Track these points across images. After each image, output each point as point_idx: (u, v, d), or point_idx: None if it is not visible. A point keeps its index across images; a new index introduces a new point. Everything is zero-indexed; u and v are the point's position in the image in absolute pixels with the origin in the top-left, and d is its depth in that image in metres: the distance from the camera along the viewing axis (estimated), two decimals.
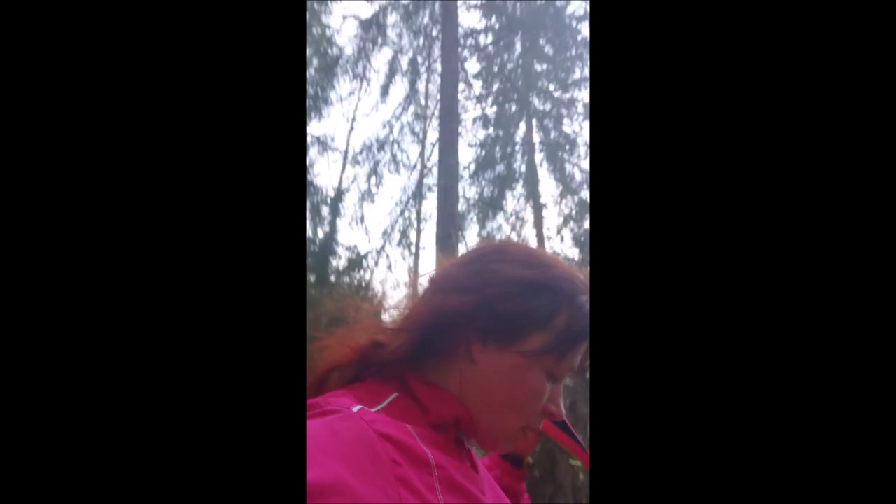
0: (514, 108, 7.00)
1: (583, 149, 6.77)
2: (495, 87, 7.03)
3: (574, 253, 6.35)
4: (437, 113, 6.25)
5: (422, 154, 7.11)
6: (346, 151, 7.15)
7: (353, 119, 7.30)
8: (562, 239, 6.56)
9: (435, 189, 5.78)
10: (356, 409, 0.43)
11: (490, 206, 6.48)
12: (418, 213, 6.97)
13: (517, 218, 6.54)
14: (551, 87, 7.04)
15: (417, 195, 6.66)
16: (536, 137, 6.89)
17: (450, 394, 0.50)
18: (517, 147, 6.83)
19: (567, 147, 6.88)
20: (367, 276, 5.79)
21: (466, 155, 6.67)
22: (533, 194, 6.63)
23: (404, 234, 6.13)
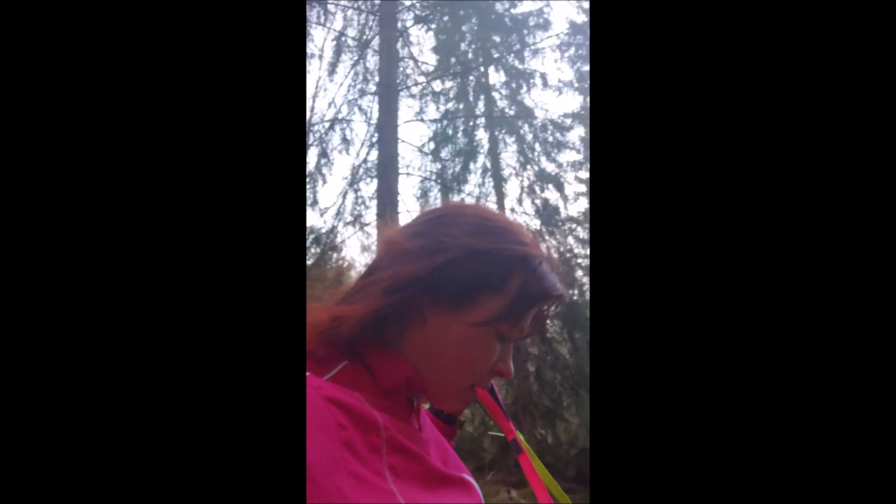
0: (472, 80, 6.96)
1: (541, 118, 6.84)
2: (451, 60, 6.95)
3: (535, 223, 6.47)
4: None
5: (368, 132, 6.97)
6: None
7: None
8: (524, 211, 6.67)
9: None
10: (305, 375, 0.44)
11: (455, 181, 6.47)
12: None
13: (481, 192, 6.57)
14: (511, 59, 7.02)
15: (363, 175, 6.54)
16: (495, 109, 6.89)
17: (398, 356, 0.50)
18: (478, 121, 6.83)
19: (526, 118, 6.92)
20: (323, 256, 5.73)
21: (425, 131, 6.62)
22: (495, 167, 6.67)
23: (356, 213, 6.07)
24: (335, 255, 5.74)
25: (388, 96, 5.34)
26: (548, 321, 0.55)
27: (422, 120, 6.55)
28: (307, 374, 0.45)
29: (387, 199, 4.94)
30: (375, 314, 0.49)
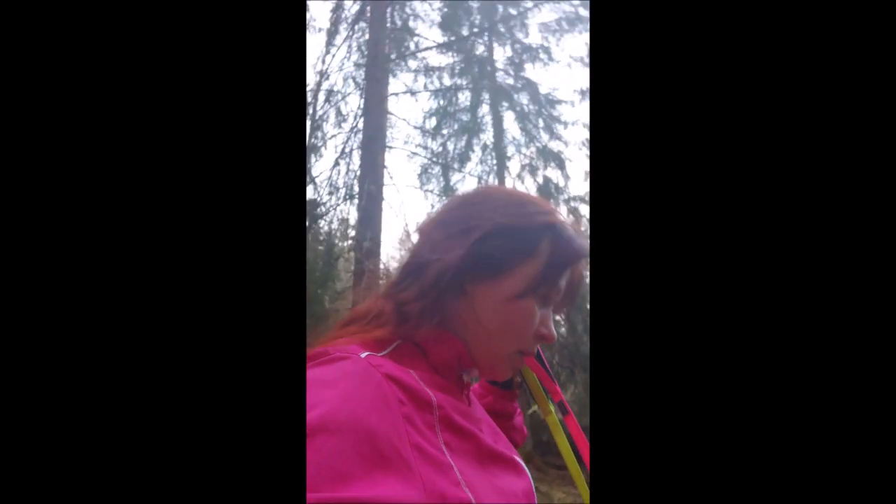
0: (476, 55, 6.83)
1: (544, 93, 6.72)
2: (454, 36, 6.81)
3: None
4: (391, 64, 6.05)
5: (360, 106, 6.86)
6: None
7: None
8: (525, 189, 6.62)
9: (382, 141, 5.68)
10: (364, 354, 0.46)
11: (456, 160, 6.41)
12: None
13: (485, 166, 6.50)
14: (518, 35, 6.88)
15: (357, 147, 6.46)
16: (499, 84, 6.77)
17: (449, 334, 0.53)
18: (481, 96, 6.72)
19: (529, 95, 6.81)
20: (325, 229, 5.72)
21: (426, 106, 6.51)
22: (498, 145, 6.59)
23: (349, 187, 6.00)
24: (322, 223, 5.72)
25: (375, 67, 5.26)
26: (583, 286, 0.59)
27: (411, 93, 6.43)
28: (366, 353, 0.47)
29: (370, 172, 4.92)
30: (430, 300, 0.52)
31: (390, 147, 5.97)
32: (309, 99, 6.43)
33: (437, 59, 6.55)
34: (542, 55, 6.86)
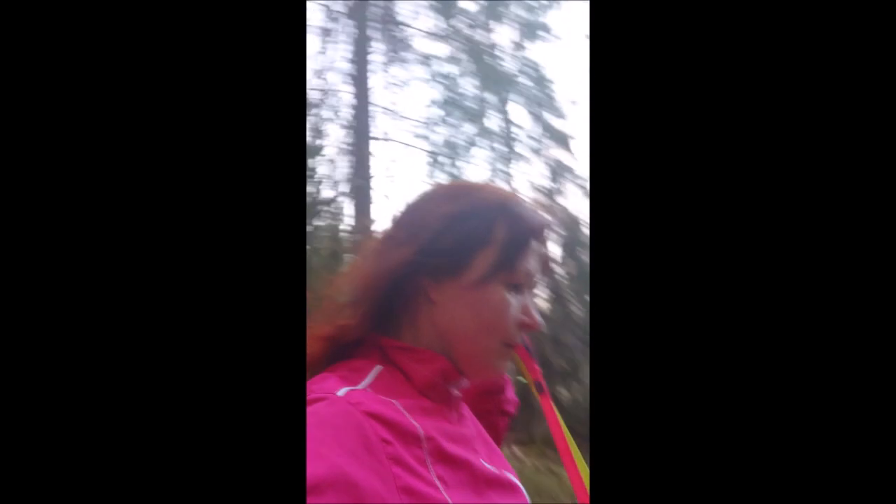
0: (478, 40, 6.72)
1: (550, 76, 6.62)
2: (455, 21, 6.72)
3: (547, 183, 6.38)
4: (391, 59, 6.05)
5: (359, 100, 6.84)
6: None
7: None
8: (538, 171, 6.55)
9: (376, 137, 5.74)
10: (342, 392, 0.44)
11: (466, 148, 6.38)
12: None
13: (495, 153, 6.43)
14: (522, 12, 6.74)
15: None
16: (507, 68, 6.68)
17: (428, 352, 0.51)
18: (485, 82, 6.64)
19: (537, 80, 6.71)
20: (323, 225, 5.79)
21: (430, 94, 6.48)
22: (505, 133, 6.54)
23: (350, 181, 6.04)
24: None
25: (361, 53, 5.31)
26: (553, 259, 0.56)
27: (400, 84, 6.42)
28: (345, 388, 0.45)
29: (359, 167, 5.01)
30: (376, 312, 0.50)
31: (375, 138, 6.01)
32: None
33: (432, 47, 6.50)
34: (540, 33, 6.74)
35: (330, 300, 0.55)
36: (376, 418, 0.41)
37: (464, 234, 0.50)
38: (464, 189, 0.55)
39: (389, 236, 0.54)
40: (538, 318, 0.52)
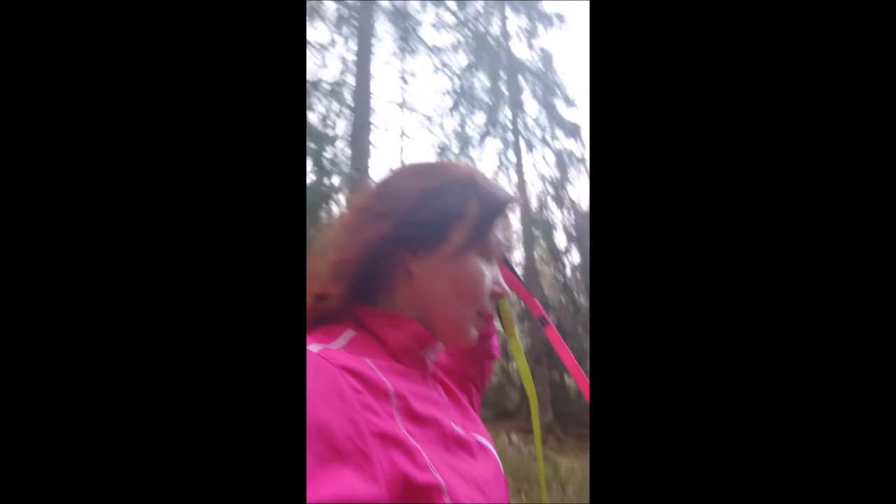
0: (493, 29, 6.69)
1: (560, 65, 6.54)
2: (469, 10, 6.69)
3: (555, 173, 6.34)
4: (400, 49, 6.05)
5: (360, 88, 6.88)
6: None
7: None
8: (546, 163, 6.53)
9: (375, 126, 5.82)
10: (315, 347, 0.45)
11: (478, 138, 6.38)
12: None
13: (506, 144, 6.40)
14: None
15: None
16: (517, 58, 6.63)
17: (402, 317, 0.53)
18: (498, 72, 6.62)
19: (547, 68, 6.66)
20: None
21: (446, 84, 6.50)
22: (520, 120, 6.51)
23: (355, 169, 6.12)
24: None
25: (364, 44, 5.36)
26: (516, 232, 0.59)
27: (403, 78, 6.44)
28: (317, 345, 0.46)
29: (356, 157, 5.11)
30: (354, 284, 0.52)
31: (376, 127, 6.06)
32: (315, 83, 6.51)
33: (443, 38, 6.49)
34: (556, 21, 6.68)
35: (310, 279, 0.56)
36: (348, 371, 0.43)
37: (439, 209, 0.53)
38: (433, 166, 0.58)
39: (364, 209, 0.55)
40: (506, 286, 0.57)
